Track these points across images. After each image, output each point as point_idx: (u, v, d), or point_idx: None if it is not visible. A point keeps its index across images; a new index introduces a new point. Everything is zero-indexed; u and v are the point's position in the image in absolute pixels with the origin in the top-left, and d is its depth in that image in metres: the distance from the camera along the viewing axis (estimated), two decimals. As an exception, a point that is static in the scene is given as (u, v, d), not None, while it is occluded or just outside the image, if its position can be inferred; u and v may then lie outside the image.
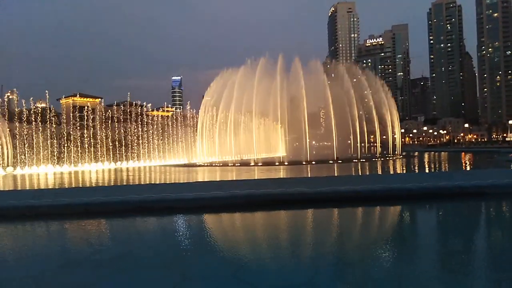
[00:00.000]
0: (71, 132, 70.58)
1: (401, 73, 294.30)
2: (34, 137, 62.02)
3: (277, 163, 54.46)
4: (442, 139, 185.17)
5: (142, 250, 10.39)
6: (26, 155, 62.14)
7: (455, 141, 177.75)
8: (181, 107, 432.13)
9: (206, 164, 58.37)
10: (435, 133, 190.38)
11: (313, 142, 63.70)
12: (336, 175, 33.10)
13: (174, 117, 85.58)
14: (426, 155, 79.62)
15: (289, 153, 59.84)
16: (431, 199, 16.55)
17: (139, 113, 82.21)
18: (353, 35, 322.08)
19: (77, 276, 8.29)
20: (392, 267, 8.29)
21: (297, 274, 7.87)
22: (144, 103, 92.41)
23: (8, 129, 59.09)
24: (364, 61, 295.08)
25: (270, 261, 8.81)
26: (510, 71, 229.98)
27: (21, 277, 8.34)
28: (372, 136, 73.22)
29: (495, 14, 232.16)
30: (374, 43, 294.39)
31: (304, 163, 53.92)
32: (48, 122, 69.28)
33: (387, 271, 7.93)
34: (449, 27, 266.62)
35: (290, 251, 9.73)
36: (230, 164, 55.33)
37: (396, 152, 77.39)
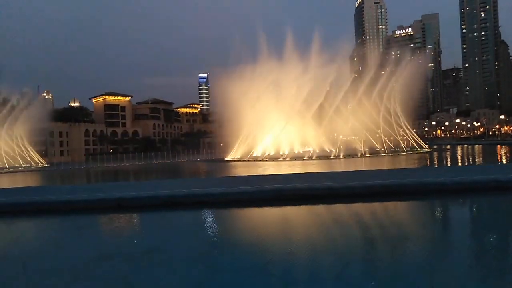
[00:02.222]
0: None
1: (432, 64, 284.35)
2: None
3: (305, 158, 54.10)
4: (476, 131, 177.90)
5: (172, 244, 10.61)
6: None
7: (490, 133, 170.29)
8: (208, 103, 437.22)
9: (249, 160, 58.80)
10: (469, 125, 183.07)
11: (341, 136, 62.71)
12: (364, 169, 32.52)
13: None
14: (459, 148, 76.79)
15: (319, 147, 59.28)
16: (465, 194, 15.95)
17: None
18: (381, 26, 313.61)
19: (112, 268, 8.58)
20: (425, 263, 8.07)
21: (325, 268, 7.80)
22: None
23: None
24: (393, 53, 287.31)
25: (298, 255, 8.78)
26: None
27: (58, 268, 8.72)
28: (401, 129, 71.35)
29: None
30: (403, 34, 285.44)
31: (332, 157, 53.33)
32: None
33: (420, 268, 7.73)
34: (483, 15, 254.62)
35: (317, 246, 9.65)
36: (280, 159, 54.98)
37: (426, 145, 75.07)
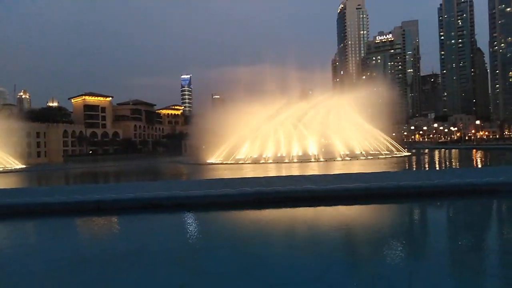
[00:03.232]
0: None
1: (411, 70, 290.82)
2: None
3: (286, 161, 54.40)
4: (453, 136, 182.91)
5: (151, 247, 10.49)
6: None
7: (466, 138, 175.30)
8: (191, 105, 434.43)
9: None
10: (446, 130, 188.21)
11: (322, 140, 63.31)
12: (345, 172, 32.93)
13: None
14: (436, 152, 78.73)
15: (298, 151, 59.77)
16: (442, 197, 16.37)
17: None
18: (362, 32, 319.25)
19: (87, 272, 8.42)
20: (402, 265, 8.25)
21: (306, 271, 7.88)
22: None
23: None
24: (374, 58, 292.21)
25: (280, 258, 8.83)
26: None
27: (31, 273, 8.50)
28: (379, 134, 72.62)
29: (508, 9, 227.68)
30: (383, 40, 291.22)
31: (313, 160, 53.75)
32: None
33: (397, 270, 7.89)
34: (460, 23, 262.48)
35: (298, 248, 9.72)
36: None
37: (405, 149, 76.67)
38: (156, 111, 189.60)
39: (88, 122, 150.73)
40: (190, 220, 14.16)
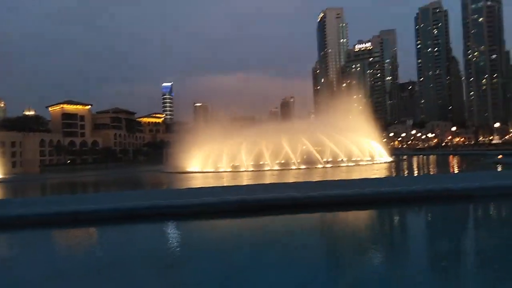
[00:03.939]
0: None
1: (390, 78, 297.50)
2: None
3: (268, 168, 54.48)
4: (430, 142, 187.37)
5: (132, 258, 10.32)
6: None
7: (443, 144, 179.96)
8: (172, 113, 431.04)
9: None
10: (423, 136, 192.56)
11: (303, 147, 63.78)
12: (326, 179, 33.26)
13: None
14: (414, 159, 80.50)
15: (280, 158, 60.08)
16: (420, 202, 16.73)
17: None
18: (342, 40, 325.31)
19: (66, 286, 8.21)
20: (384, 270, 8.38)
21: (289, 279, 7.91)
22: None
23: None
24: (353, 66, 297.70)
25: (263, 267, 8.83)
26: (495, 75, 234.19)
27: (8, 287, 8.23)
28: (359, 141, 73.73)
29: (480, 19, 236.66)
30: (362, 48, 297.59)
31: (294, 168, 54.03)
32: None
33: (379, 274, 8.02)
34: (435, 32, 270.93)
35: (281, 257, 9.75)
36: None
37: (387, 155, 78.08)
38: (137, 119, 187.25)
39: (66, 131, 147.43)
40: (172, 230, 14.01)
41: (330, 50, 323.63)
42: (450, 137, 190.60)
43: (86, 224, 14.92)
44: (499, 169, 39.40)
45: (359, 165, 57.83)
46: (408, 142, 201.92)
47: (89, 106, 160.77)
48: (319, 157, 58.41)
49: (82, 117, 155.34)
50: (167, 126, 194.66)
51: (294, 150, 59.01)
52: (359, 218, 15.35)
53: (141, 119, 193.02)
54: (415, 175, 37.69)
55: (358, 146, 68.30)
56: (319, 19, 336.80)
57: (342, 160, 63.23)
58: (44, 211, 15.45)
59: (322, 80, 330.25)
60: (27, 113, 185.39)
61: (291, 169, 52.98)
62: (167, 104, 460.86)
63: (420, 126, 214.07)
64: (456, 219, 14.64)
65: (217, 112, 65.58)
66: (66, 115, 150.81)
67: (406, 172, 44.06)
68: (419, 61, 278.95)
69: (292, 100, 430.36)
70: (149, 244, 12.00)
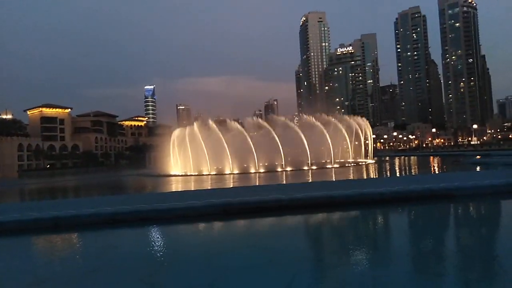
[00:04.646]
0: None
1: (371, 81, 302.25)
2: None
3: (253, 171, 54.50)
4: (411, 143, 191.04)
5: (114, 264, 10.10)
6: None
7: (424, 145, 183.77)
8: (155, 116, 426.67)
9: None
10: (405, 138, 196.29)
11: (288, 149, 64.12)
12: (310, 181, 33.47)
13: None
14: (396, 160, 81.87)
15: (264, 159, 60.20)
16: (402, 203, 16.99)
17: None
18: (324, 44, 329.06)
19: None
20: (368, 271, 8.44)
21: (275, 282, 7.87)
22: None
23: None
24: (336, 69, 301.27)
25: (248, 270, 8.77)
26: (472, 78, 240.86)
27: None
28: (344, 142, 74.64)
29: (457, 24, 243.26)
30: (344, 52, 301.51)
31: (280, 170, 54.23)
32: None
33: (364, 275, 8.06)
34: (415, 36, 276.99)
35: (267, 259, 9.71)
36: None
37: (368, 157, 79.41)
38: (119, 122, 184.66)
39: (45, 135, 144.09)
40: (156, 235, 13.79)
41: (312, 54, 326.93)
42: (430, 139, 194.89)
43: (67, 230, 14.55)
44: (477, 169, 40.46)
45: (343, 166, 58.47)
46: (390, 144, 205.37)
47: (69, 110, 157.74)
48: (306, 158, 58.84)
49: (61, 121, 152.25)
50: (150, 129, 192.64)
51: (279, 152, 59.31)
52: (343, 219, 15.48)
53: (123, 122, 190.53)
54: (398, 176, 38.31)
55: (342, 148, 69.06)
56: (301, 23, 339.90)
57: (326, 162, 63.83)
58: (23, 217, 14.99)
59: (305, 83, 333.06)
60: (4, 116, 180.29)
61: (276, 171, 53.19)
62: (150, 107, 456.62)
63: (402, 128, 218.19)
64: (438, 218, 14.92)
65: (201, 114, 65.37)
66: (45, 119, 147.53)
67: (388, 173, 44.76)
68: (399, 64, 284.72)
69: (275, 102, 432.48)
70: (132, 249, 11.77)
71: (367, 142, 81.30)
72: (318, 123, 63.51)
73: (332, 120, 68.12)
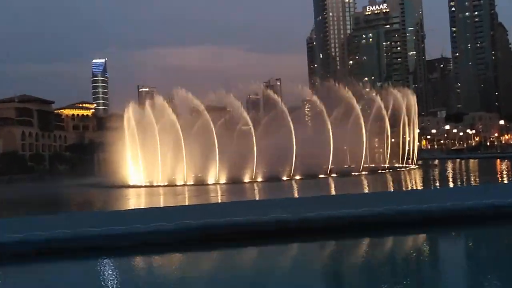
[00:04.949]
0: None
1: (414, 53, 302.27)
2: None
3: (247, 180, 54.52)
4: (470, 141, 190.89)
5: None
6: None
7: (488, 143, 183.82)
8: (107, 102, 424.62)
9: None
10: (461, 133, 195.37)
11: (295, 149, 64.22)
12: (327, 194, 33.55)
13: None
14: (449, 164, 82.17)
15: (263, 165, 60.01)
16: (457, 224, 17.05)
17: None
18: (347, 0, 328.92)
19: None
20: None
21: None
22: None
23: None
24: (364, 36, 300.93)
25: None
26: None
27: None
28: (376, 140, 74.74)
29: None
30: (376, 11, 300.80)
31: (285, 178, 54.34)
32: None
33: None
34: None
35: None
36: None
37: (410, 160, 79.33)
38: (55, 111, 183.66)
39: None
40: (106, 272, 13.78)
41: (331, 14, 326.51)
42: (497, 134, 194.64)
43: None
44: None
45: (373, 173, 58.68)
46: (440, 142, 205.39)
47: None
48: (324, 162, 58.96)
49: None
50: (100, 120, 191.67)
51: (283, 156, 59.38)
52: (376, 248, 15.52)
53: (61, 110, 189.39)
54: (450, 186, 38.52)
55: (372, 149, 69.24)
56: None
57: (349, 167, 63.98)
58: None
59: (321, 56, 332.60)
60: None
61: (280, 180, 53.24)
62: (100, 90, 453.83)
63: (456, 119, 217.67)
64: (506, 246, 15.01)
65: (172, 99, 64.91)
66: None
67: (437, 182, 45.00)
68: (454, 29, 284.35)
69: (278, 83, 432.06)
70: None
71: (406, 138, 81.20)
72: (349, 93, 63.24)
73: (365, 93, 67.82)
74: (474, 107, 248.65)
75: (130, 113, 63.87)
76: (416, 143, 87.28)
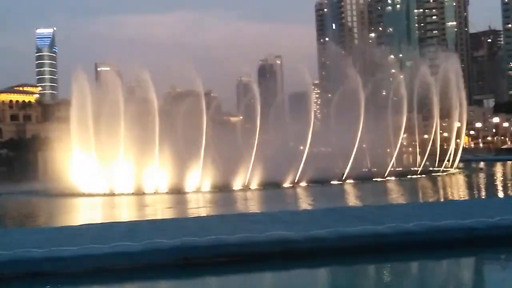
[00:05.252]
0: None
1: (454, 23, 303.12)
2: None
3: (238, 188, 54.53)
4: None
5: None
6: None
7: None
8: (55, 85, 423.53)
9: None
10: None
11: (300, 148, 64.39)
12: (341, 206, 33.58)
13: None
14: (498, 167, 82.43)
15: (259, 168, 59.98)
16: (507, 243, 17.12)
17: None
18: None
19: None
20: None
21: None
22: None
23: None
24: (389, 1, 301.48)
25: None
26: None
27: None
28: (405, 136, 74.95)
29: None
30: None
31: (287, 185, 54.42)
32: None
33: None
34: None
35: None
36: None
37: (450, 162, 79.35)
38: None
39: None
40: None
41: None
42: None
43: None
44: None
45: (400, 179, 58.84)
46: (487, 138, 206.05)
47: None
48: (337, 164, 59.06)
49: None
50: (45, 108, 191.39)
51: (285, 156, 59.55)
52: (401, 275, 15.56)
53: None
54: (499, 196, 38.69)
55: (397, 148, 69.41)
56: None
57: (370, 171, 64.17)
58: None
59: (333, 27, 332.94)
60: None
61: (280, 187, 53.32)
62: (46, 69, 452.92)
63: (508, 110, 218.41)
64: None
65: (137, 83, 64.63)
66: None
67: (482, 191, 45.15)
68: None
69: (278, 62, 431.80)
70: None
71: (444, 135, 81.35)
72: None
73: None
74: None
75: (78, 97, 63.06)
76: (461, 140, 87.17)
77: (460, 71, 77.86)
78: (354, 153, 61.81)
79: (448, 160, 79.10)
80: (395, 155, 68.32)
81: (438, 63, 75.41)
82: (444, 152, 79.69)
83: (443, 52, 79.88)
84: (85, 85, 61.24)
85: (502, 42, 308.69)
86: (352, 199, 39.63)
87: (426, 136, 77.47)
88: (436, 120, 75.14)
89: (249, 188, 53.67)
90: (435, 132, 76.52)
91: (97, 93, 62.96)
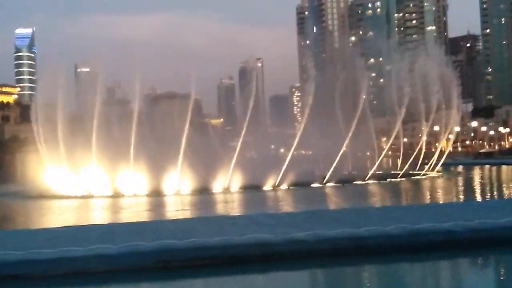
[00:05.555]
0: None
1: (433, 28, 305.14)
2: None
3: (217, 191, 54.42)
4: (503, 142, 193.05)
5: None
6: None
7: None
8: (34, 85, 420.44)
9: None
10: (492, 131, 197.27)
11: (281, 150, 64.52)
12: (321, 208, 33.65)
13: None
14: (476, 171, 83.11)
15: (240, 170, 59.90)
16: (485, 247, 17.24)
17: None
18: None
19: None
20: None
21: None
22: None
23: None
24: (370, 4, 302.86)
25: None
26: None
27: None
28: (384, 139, 75.41)
29: None
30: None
31: (267, 188, 54.43)
32: None
33: None
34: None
35: None
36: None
37: (430, 166, 79.87)
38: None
39: None
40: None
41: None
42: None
43: None
44: None
45: (380, 182, 59.15)
46: (465, 142, 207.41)
47: None
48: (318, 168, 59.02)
49: None
50: (25, 109, 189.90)
51: (265, 159, 59.55)
52: (379, 278, 15.61)
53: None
54: (478, 200, 38.99)
55: (377, 151, 69.79)
56: None
57: (351, 174, 64.45)
58: None
59: (314, 30, 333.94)
60: None
61: (261, 190, 53.31)
62: (25, 70, 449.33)
63: (487, 113, 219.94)
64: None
65: (120, 84, 64.39)
66: None
67: (461, 195, 45.52)
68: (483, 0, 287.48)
69: (259, 64, 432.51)
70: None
71: (425, 139, 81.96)
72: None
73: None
74: (508, 99, 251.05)
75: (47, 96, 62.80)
76: (440, 144, 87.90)
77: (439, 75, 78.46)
78: (336, 156, 62.10)
79: (428, 164, 79.74)
80: (377, 159, 68.78)
81: (417, 67, 75.67)
82: (425, 156, 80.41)
83: (423, 56, 79.69)
84: (60, 85, 60.92)
85: (480, 47, 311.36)
86: (332, 202, 39.76)
87: (405, 140, 77.95)
88: (419, 124, 75.90)
89: (230, 191, 53.62)
90: (414, 136, 77.35)
91: (74, 94, 62.68)
